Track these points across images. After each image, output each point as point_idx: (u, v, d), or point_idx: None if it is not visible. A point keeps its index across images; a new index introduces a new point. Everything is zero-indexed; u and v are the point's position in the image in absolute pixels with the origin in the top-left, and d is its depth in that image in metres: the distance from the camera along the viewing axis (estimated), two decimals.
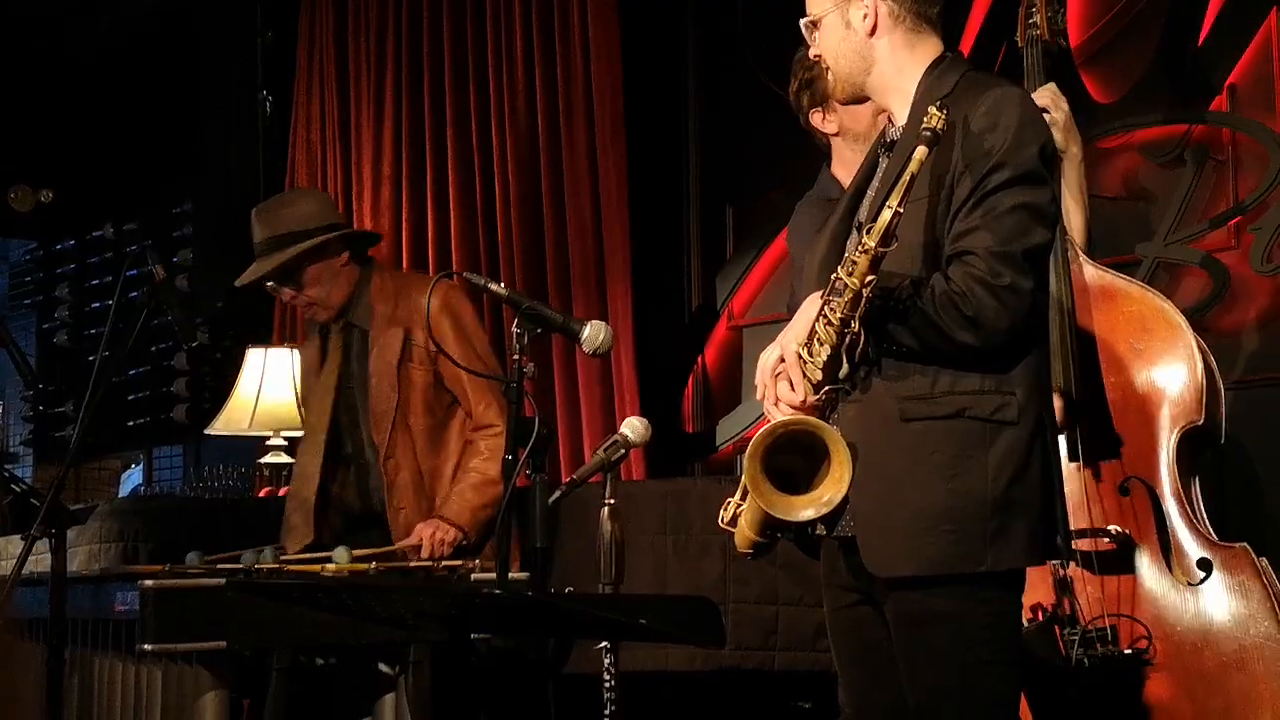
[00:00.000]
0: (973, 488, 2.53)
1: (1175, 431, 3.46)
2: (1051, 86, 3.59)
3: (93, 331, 8.26)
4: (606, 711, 2.92)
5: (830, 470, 2.53)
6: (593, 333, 3.00)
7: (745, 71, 5.42)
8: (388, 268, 4.13)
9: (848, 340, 2.51)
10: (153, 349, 7.54)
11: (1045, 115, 3.47)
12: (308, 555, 3.70)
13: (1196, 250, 4.23)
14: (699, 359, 5.51)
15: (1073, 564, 3.39)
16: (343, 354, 4.07)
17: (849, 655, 2.77)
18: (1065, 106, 3.58)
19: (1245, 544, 3.40)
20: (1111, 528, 3.45)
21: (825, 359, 2.53)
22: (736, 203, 5.54)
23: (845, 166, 3.37)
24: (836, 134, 3.40)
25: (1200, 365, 3.47)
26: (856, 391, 2.58)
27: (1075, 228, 3.61)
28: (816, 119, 3.41)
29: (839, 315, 2.48)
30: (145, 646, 3.21)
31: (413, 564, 3.66)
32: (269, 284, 4.03)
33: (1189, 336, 3.49)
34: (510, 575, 2.96)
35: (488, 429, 4.00)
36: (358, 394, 4.08)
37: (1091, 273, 3.56)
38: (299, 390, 4.35)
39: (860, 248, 2.45)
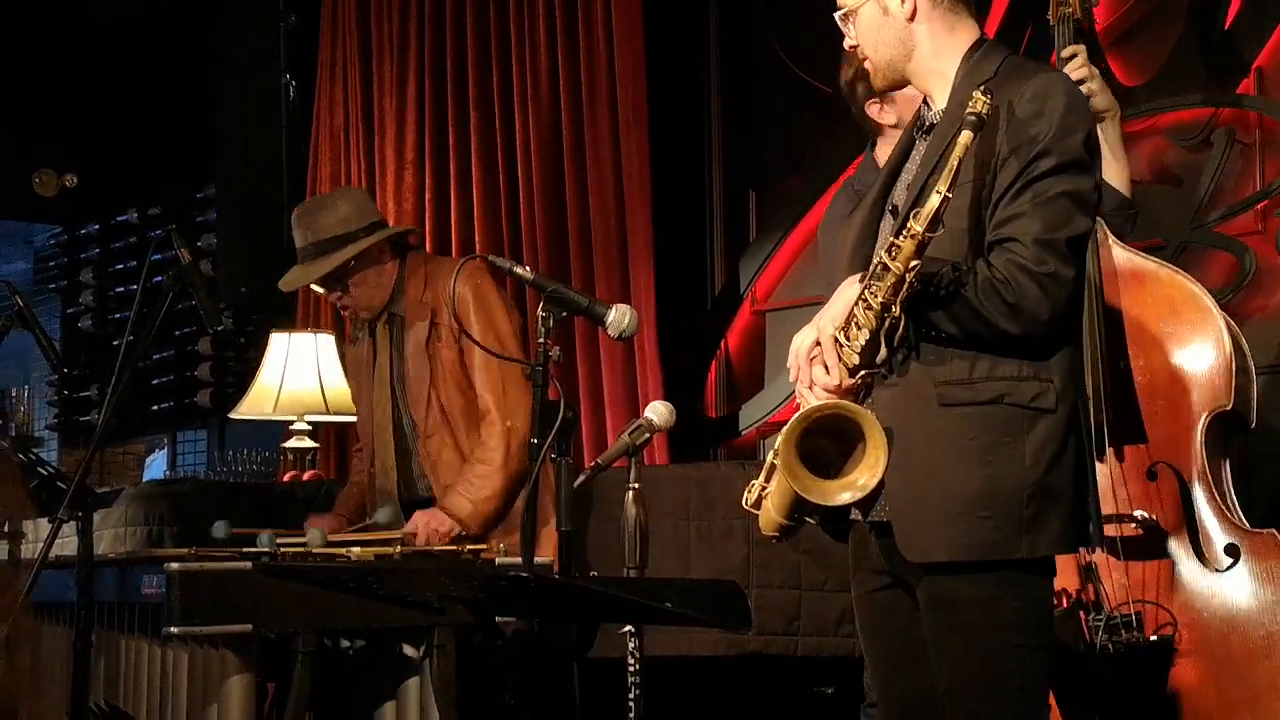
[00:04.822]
0: (1009, 474, 2.52)
1: (1204, 416, 3.42)
2: (1082, 51, 3.55)
3: (117, 316, 8.30)
4: (631, 696, 2.91)
5: (865, 455, 2.51)
6: (618, 316, 2.99)
7: (768, 55, 5.40)
8: (423, 254, 4.15)
9: (887, 325, 2.49)
10: (176, 334, 7.57)
11: (1083, 86, 3.44)
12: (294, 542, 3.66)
13: (1222, 234, 4.20)
14: (722, 343, 5.50)
15: (1098, 550, 3.36)
16: (390, 346, 4.08)
17: (878, 639, 2.75)
18: (1096, 71, 3.56)
19: (1274, 530, 3.37)
20: (1138, 513, 3.42)
21: (863, 343, 2.51)
22: (759, 187, 5.52)
23: None
24: (894, 125, 3.31)
25: (1230, 348, 3.43)
26: (893, 375, 2.57)
27: (1121, 182, 3.57)
28: (874, 110, 3.35)
29: (880, 299, 2.47)
30: (171, 629, 3.22)
31: (436, 549, 3.66)
32: (315, 287, 4.06)
33: (1218, 319, 3.45)
34: (535, 559, 2.96)
35: (486, 417, 3.94)
36: (401, 380, 4.09)
37: (1120, 255, 3.52)
38: (352, 389, 4.33)
39: (906, 232, 2.43)
